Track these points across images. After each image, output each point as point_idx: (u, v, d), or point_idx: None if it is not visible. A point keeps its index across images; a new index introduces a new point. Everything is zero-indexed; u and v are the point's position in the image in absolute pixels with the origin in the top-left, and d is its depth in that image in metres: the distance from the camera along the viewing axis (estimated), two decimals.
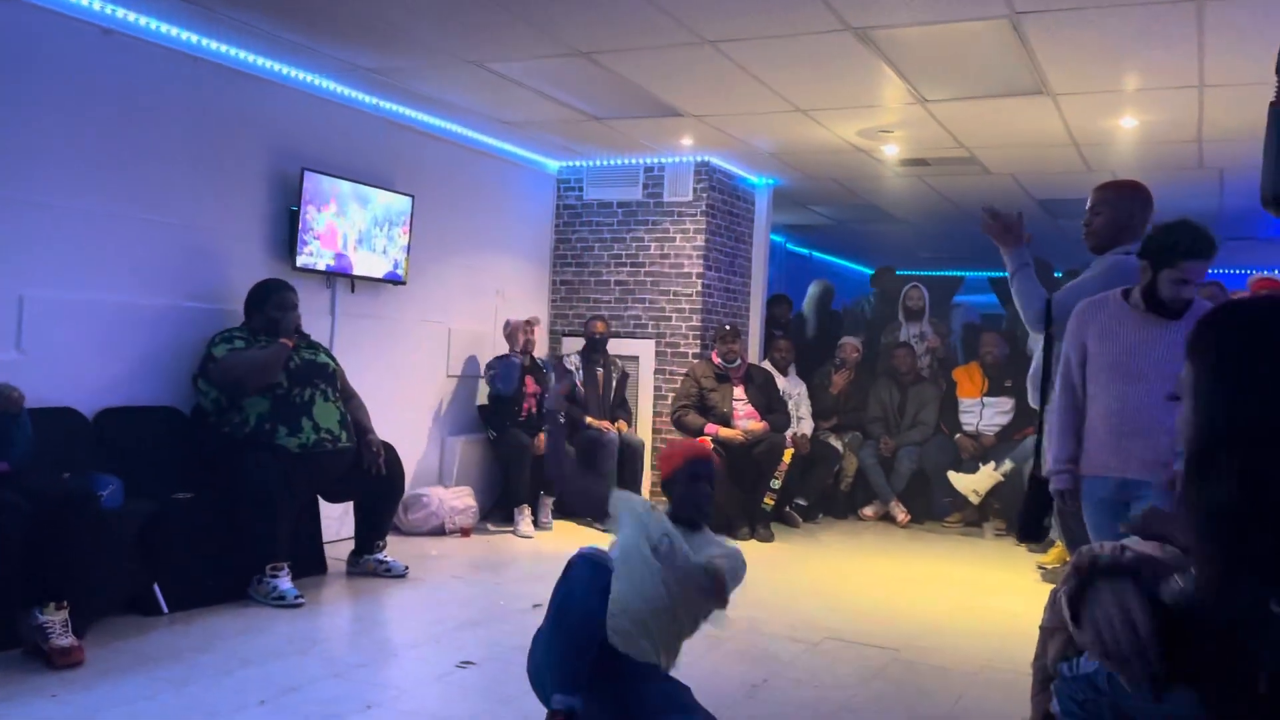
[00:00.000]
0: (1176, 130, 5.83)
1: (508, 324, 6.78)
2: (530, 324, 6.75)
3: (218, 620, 4.17)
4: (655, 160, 7.42)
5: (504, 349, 6.79)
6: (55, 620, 3.49)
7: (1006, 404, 7.26)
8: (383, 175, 6.02)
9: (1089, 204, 3.65)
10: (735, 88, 5.40)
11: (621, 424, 6.99)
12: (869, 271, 12.19)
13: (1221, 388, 1.32)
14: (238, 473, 4.47)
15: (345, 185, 5.64)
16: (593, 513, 6.67)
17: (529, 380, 6.65)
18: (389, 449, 5.07)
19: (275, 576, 4.44)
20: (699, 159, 7.28)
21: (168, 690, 3.31)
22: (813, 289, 9.16)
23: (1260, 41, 4.12)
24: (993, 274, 10.25)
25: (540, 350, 7.14)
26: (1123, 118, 5.65)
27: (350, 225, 5.69)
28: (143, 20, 4.68)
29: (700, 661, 3.96)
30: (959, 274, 9.51)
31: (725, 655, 4.06)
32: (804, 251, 12.43)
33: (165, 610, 4.15)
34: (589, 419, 6.82)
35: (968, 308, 10.17)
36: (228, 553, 4.43)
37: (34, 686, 3.28)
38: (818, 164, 7.28)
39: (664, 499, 3.02)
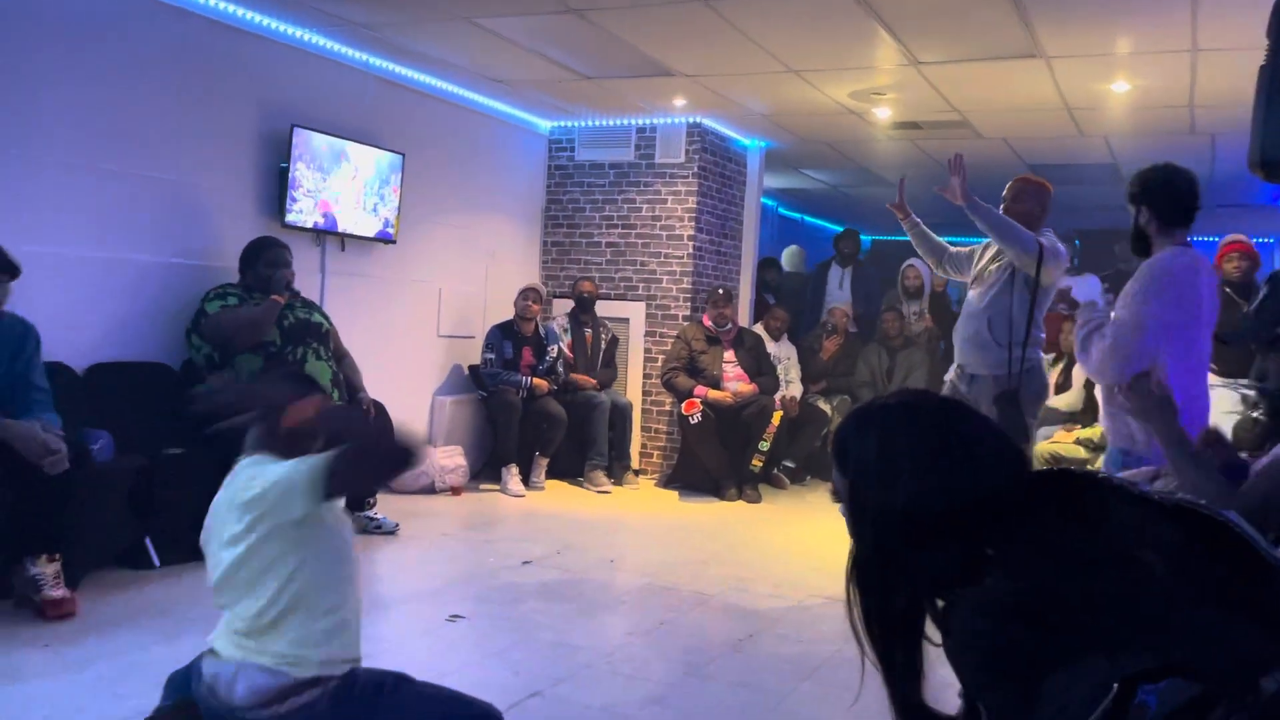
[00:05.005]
0: (1169, 95, 5.82)
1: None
2: (526, 293, 6.75)
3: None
4: (647, 121, 7.39)
5: (495, 312, 6.78)
6: (47, 572, 3.51)
7: None
8: (373, 133, 5.98)
9: (1009, 192, 4.42)
10: (728, 47, 5.36)
11: (588, 379, 6.97)
12: (863, 238, 12.09)
13: (872, 493, 1.39)
14: (228, 429, 4.47)
15: (335, 142, 5.61)
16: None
17: (526, 351, 6.67)
18: (379, 408, 5.09)
19: None
20: (691, 120, 7.24)
21: (159, 642, 3.34)
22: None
23: (1253, 5, 4.10)
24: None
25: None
26: (1115, 82, 5.63)
27: (340, 182, 5.67)
28: None
29: (686, 617, 4.03)
30: (950, 240, 9.47)
31: (711, 612, 4.12)
32: (796, 216, 12.41)
33: (157, 564, 4.18)
34: (575, 376, 6.92)
35: None
36: None
37: (26, 638, 3.31)
38: (810, 126, 7.25)
39: None
